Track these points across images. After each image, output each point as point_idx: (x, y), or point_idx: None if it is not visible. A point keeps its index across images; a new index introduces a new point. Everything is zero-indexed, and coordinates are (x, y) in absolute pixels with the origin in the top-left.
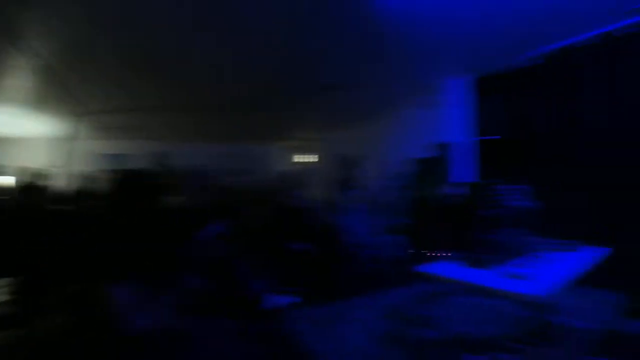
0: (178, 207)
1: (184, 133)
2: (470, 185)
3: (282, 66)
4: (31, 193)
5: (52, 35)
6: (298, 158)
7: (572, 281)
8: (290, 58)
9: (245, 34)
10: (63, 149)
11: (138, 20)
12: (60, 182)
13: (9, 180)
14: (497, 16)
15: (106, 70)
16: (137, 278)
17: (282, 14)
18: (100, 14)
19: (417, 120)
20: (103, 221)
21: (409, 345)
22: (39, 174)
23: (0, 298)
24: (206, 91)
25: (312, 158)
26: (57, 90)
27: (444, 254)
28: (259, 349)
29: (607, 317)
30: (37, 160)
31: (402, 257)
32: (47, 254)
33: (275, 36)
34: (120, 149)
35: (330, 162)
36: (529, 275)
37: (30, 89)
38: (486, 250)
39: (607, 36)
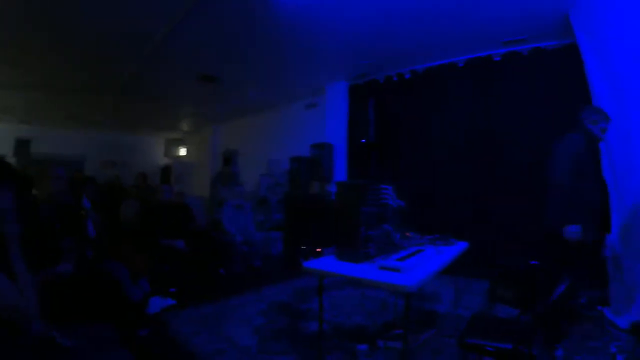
0: (41, 200)
1: (51, 117)
2: (347, 184)
3: (162, 51)
4: None
5: None
6: (177, 151)
7: (441, 271)
8: (170, 44)
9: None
10: None
11: None
12: None
13: None
14: (379, 30)
15: None
16: None
17: None
18: None
19: (299, 120)
20: None
21: (294, 339)
22: None
23: None
24: (75, 71)
25: (192, 151)
26: None
27: (324, 249)
28: (142, 356)
29: (473, 303)
30: None
31: (283, 253)
32: None
33: (158, 19)
34: None
35: (211, 157)
36: (403, 268)
37: None
38: (363, 245)
39: (476, 60)
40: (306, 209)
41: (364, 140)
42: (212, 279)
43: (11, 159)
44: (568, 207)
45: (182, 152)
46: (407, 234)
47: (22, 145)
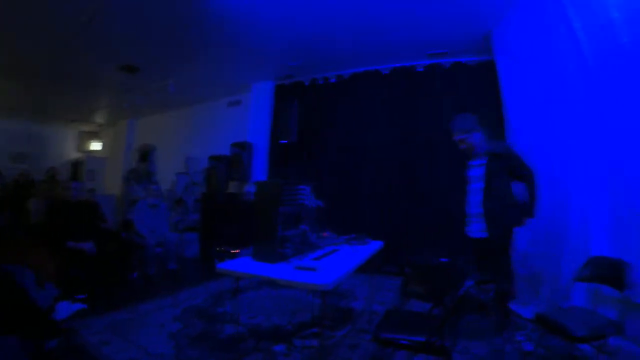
0: None
1: None
2: (264, 183)
3: (81, 36)
4: None
5: None
6: (91, 145)
7: (357, 270)
8: (90, 29)
9: None
10: None
11: None
12: None
13: None
14: (309, 35)
15: None
16: None
17: None
18: None
19: (221, 117)
20: None
21: (211, 344)
22: None
23: None
24: None
25: (107, 146)
26: None
27: (240, 250)
28: None
29: (387, 299)
30: None
31: (200, 255)
32: None
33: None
34: None
35: (125, 152)
36: (318, 267)
37: None
38: (280, 245)
39: (400, 70)
40: (224, 209)
41: (285, 141)
42: (124, 283)
43: None
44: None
45: (97, 146)
46: (324, 233)
47: None
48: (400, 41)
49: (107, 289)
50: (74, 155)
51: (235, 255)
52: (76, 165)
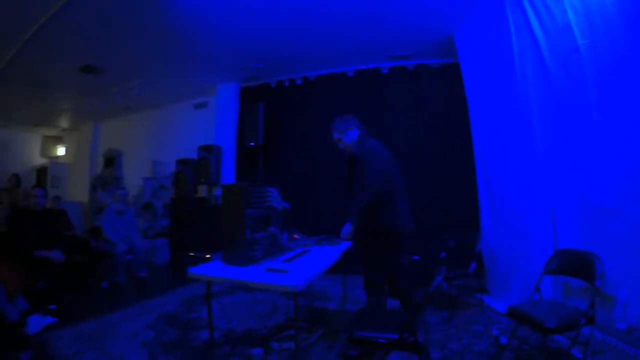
0: None
1: None
2: (231, 186)
3: (40, 36)
4: None
5: None
6: (55, 150)
7: (329, 270)
8: (50, 29)
9: None
10: None
11: None
12: None
13: None
14: (272, 36)
15: None
16: None
17: None
18: None
19: (187, 120)
20: None
21: (186, 351)
22: None
23: None
24: None
25: (71, 151)
26: None
27: (211, 255)
28: None
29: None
30: None
31: (168, 261)
32: None
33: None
34: None
35: (91, 157)
36: (289, 269)
37: None
38: (250, 248)
39: (366, 72)
40: (193, 214)
41: (252, 144)
42: (94, 293)
43: None
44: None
45: (61, 151)
46: (295, 235)
47: None
48: (364, 42)
49: (77, 299)
50: (38, 161)
51: (207, 260)
52: (40, 171)
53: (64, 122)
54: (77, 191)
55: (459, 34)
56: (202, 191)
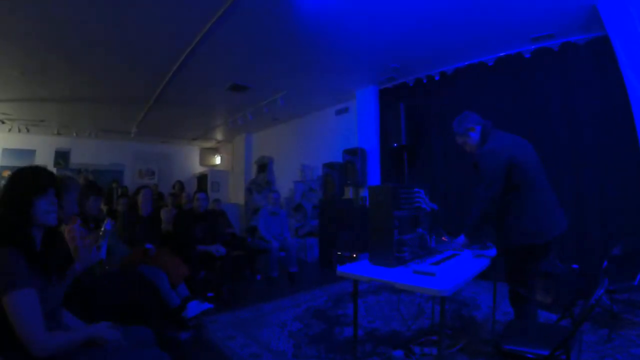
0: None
1: (88, 129)
2: (379, 188)
3: (193, 63)
4: None
5: None
6: (212, 159)
7: (478, 276)
8: (200, 56)
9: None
10: None
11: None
12: None
13: None
14: (407, 34)
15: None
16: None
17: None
18: None
19: (330, 126)
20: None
21: (329, 344)
22: None
23: None
24: (110, 83)
25: (227, 159)
26: None
27: (358, 255)
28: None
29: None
30: None
31: (319, 259)
32: None
33: (187, 29)
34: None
35: (244, 165)
36: (438, 272)
37: None
38: (397, 249)
39: (506, 58)
40: (341, 214)
41: (395, 145)
42: (249, 284)
43: (52, 169)
44: None
45: (217, 160)
46: (443, 238)
47: (61, 156)
48: (502, 27)
49: (233, 289)
50: (197, 169)
51: (353, 259)
52: (200, 178)
53: (219, 135)
54: (235, 195)
55: (601, 2)
56: (349, 193)
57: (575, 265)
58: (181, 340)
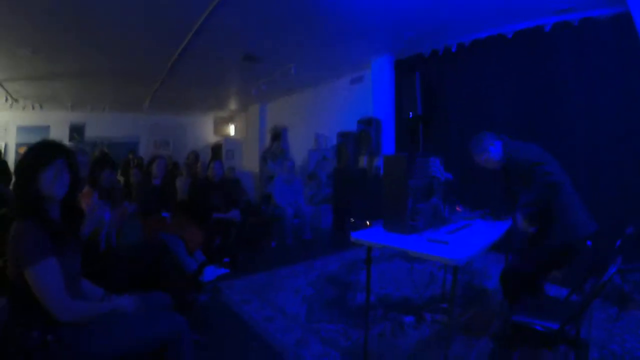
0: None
1: (102, 103)
2: (393, 156)
3: (205, 34)
4: None
5: None
6: (226, 129)
7: (491, 247)
8: (213, 27)
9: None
10: None
11: None
12: None
13: None
14: (424, 1)
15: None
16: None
17: None
18: None
19: (345, 95)
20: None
21: (341, 309)
22: None
23: None
24: (123, 57)
25: (241, 129)
26: None
27: (372, 222)
28: (196, 321)
29: None
30: None
31: (333, 226)
32: None
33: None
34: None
35: (259, 134)
36: (451, 241)
37: None
38: (411, 217)
39: (526, 31)
40: (355, 183)
41: (411, 114)
42: (264, 251)
43: (67, 144)
44: None
45: (231, 130)
46: (457, 208)
47: (76, 130)
48: None
49: (248, 255)
50: (211, 139)
51: (366, 227)
52: (214, 147)
53: (233, 105)
54: (249, 163)
55: None
56: (363, 162)
57: (589, 242)
58: (200, 301)
